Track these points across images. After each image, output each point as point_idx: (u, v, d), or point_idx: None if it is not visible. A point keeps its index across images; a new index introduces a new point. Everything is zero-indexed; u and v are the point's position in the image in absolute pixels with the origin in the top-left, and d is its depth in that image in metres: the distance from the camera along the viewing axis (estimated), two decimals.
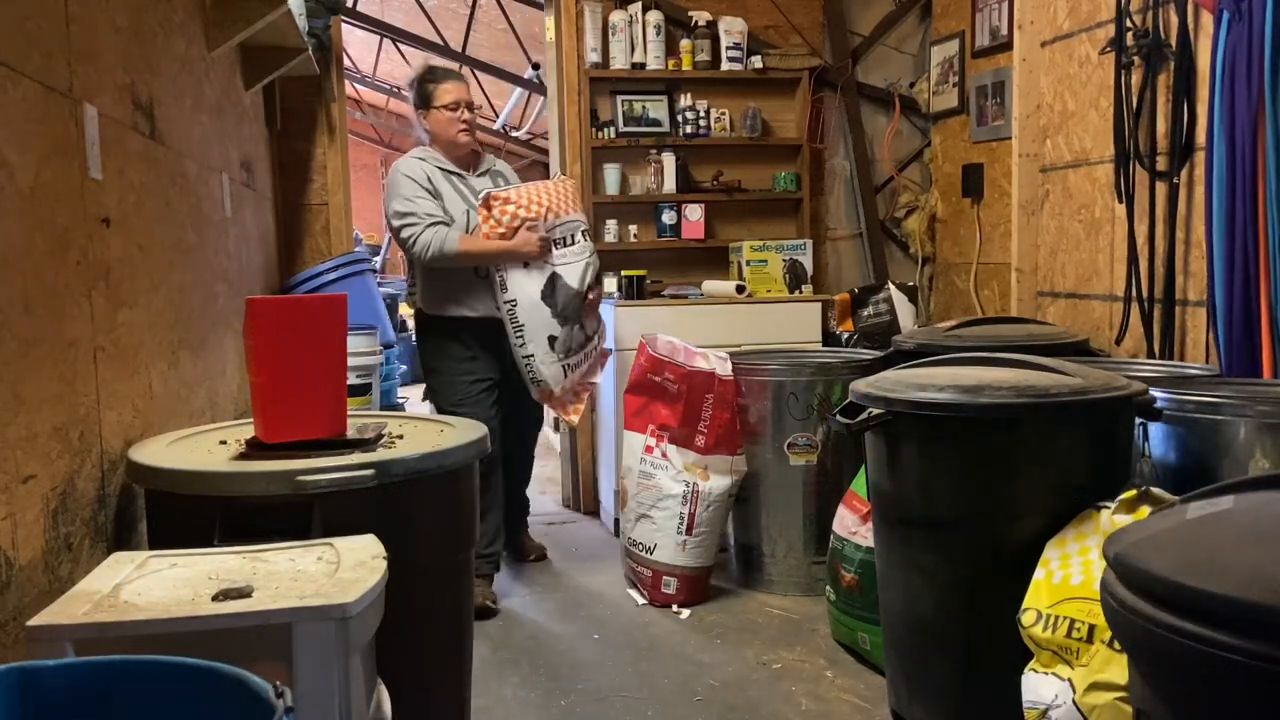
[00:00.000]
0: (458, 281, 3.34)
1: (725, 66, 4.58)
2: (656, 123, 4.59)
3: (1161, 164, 3.05)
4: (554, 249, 3.32)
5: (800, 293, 4.42)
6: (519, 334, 3.28)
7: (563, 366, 3.35)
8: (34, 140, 1.64)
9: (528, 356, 3.29)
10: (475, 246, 3.23)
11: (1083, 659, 1.88)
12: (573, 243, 3.37)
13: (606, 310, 3.75)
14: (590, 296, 3.37)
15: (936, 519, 2.23)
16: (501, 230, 3.23)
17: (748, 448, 3.43)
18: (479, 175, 3.46)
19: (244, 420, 2.24)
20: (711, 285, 4.42)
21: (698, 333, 3.86)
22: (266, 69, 3.66)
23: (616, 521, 3.83)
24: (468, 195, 3.35)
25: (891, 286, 4.56)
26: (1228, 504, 1.45)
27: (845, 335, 4.47)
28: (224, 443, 2.02)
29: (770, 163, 4.73)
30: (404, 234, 3.24)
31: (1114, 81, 3.18)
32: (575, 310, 3.33)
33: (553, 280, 3.30)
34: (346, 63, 7.40)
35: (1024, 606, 2.00)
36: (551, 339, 3.29)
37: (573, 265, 3.35)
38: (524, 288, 3.28)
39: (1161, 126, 3.06)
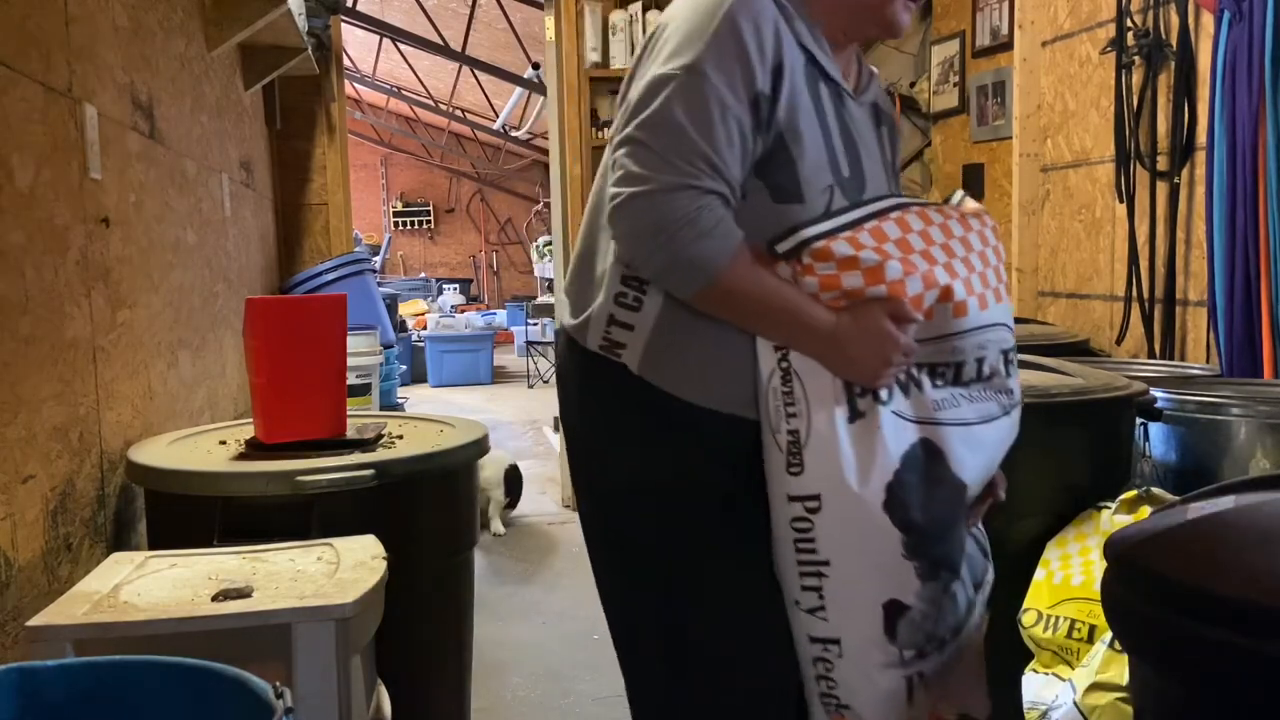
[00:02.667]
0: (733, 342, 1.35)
1: None
2: None
3: (1162, 164, 3.05)
4: (930, 383, 1.40)
5: None
6: (810, 570, 1.35)
7: (905, 677, 1.40)
8: (34, 140, 1.63)
9: (824, 643, 1.37)
10: (764, 289, 1.30)
11: (1083, 659, 1.88)
12: (985, 376, 1.45)
13: None
14: (990, 500, 1.59)
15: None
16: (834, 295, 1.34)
17: None
18: (860, 101, 1.46)
19: (244, 420, 2.24)
20: None
21: None
22: (266, 69, 3.66)
23: None
24: (858, 138, 1.41)
25: None
26: (1228, 504, 1.44)
27: None
28: (224, 443, 2.02)
29: None
30: (646, 178, 1.25)
31: (1115, 81, 3.17)
32: (952, 538, 1.44)
33: (926, 453, 1.37)
34: (346, 63, 7.40)
35: (1024, 607, 2.00)
36: (892, 610, 1.35)
37: (976, 430, 1.43)
38: (840, 458, 1.32)
39: (1162, 126, 3.05)
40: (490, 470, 4.24)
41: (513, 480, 4.46)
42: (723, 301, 1.29)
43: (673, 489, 1.35)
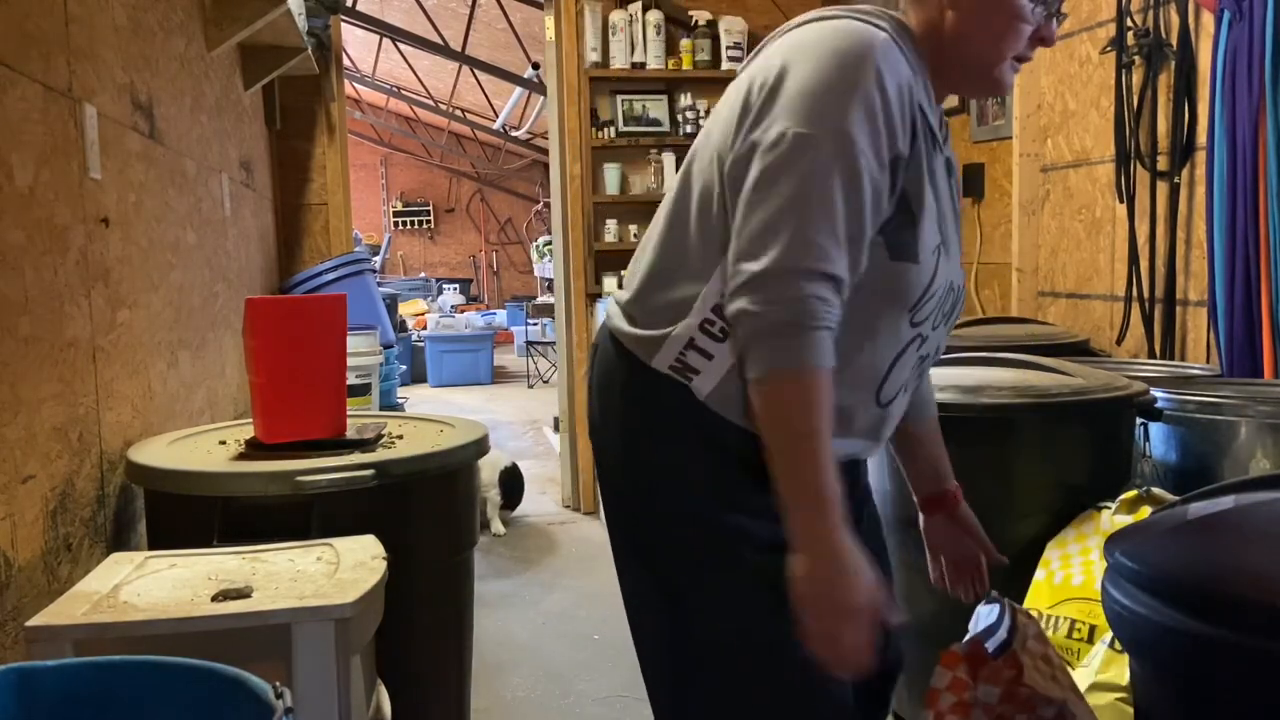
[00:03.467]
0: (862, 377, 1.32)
1: (725, 66, 4.57)
2: (656, 122, 4.59)
3: (1162, 164, 3.05)
4: None
5: None
6: None
7: None
8: (33, 140, 1.63)
9: None
10: (823, 417, 1.18)
11: (1083, 659, 1.88)
12: None
13: (603, 310, 3.68)
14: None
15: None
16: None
17: None
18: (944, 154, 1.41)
19: (244, 420, 2.24)
20: None
21: None
22: (266, 69, 3.66)
23: None
24: (949, 195, 1.37)
25: None
26: (1228, 504, 1.44)
27: None
28: (223, 443, 2.02)
29: None
30: (781, 253, 1.16)
31: (1115, 81, 3.17)
32: None
33: None
34: (346, 63, 7.40)
35: (1024, 607, 2.00)
36: None
37: None
38: None
39: (1162, 126, 3.05)
40: (486, 472, 4.24)
41: (512, 481, 4.46)
42: (784, 397, 1.18)
43: (720, 517, 1.27)
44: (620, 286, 1.47)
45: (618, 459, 1.36)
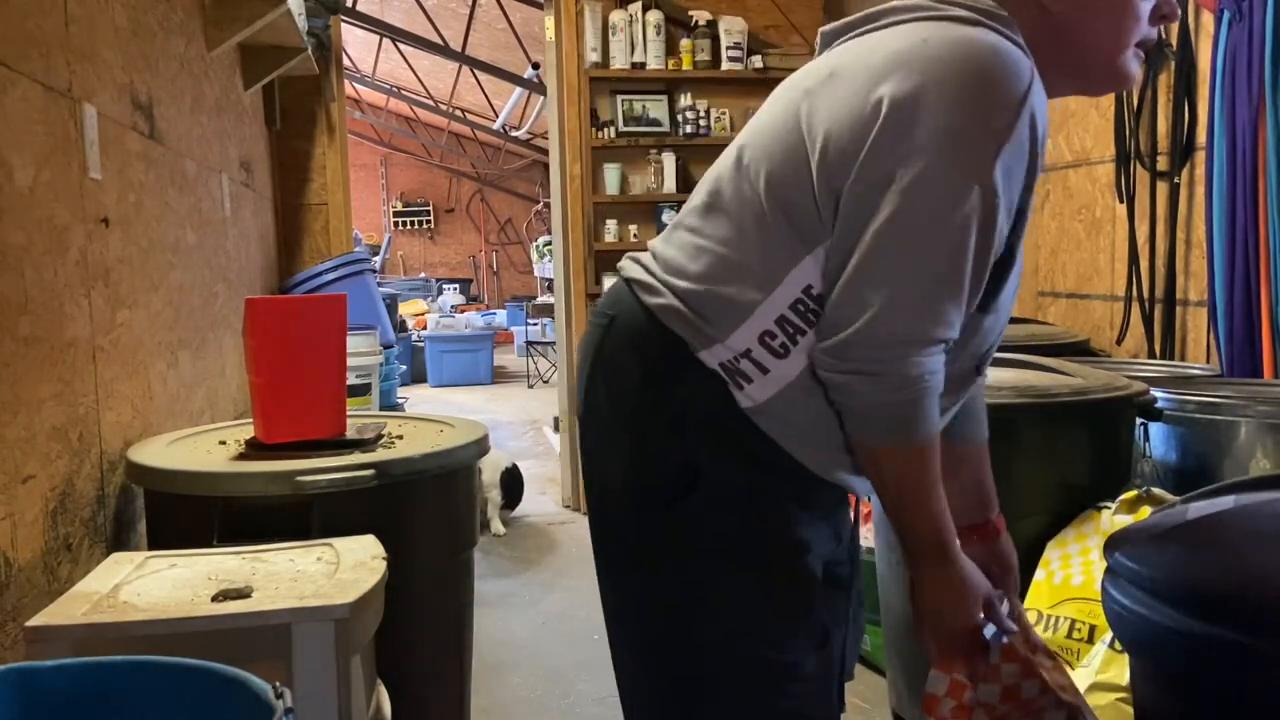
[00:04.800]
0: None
1: (725, 66, 4.57)
2: (656, 123, 4.59)
3: (1162, 164, 3.05)
4: None
5: None
6: None
7: None
8: (33, 140, 1.63)
9: None
10: (936, 477, 1.19)
11: (1083, 659, 1.88)
12: None
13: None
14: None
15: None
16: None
17: None
18: None
19: (244, 420, 2.23)
20: None
21: None
22: (266, 69, 3.66)
23: None
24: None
25: None
26: (1228, 504, 1.44)
27: None
28: (223, 443, 2.02)
29: None
30: (901, 320, 1.10)
31: None
32: None
33: None
34: (346, 63, 7.40)
35: (1024, 607, 2.00)
36: None
37: None
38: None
39: (1162, 126, 3.05)
40: (488, 472, 4.25)
41: (512, 481, 4.46)
42: (898, 466, 1.16)
43: (746, 526, 1.21)
44: (606, 287, 1.39)
45: (624, 453, 1.25)
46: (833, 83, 1.16)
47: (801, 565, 1.23)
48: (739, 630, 1.21)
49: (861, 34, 1.20)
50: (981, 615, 1.23)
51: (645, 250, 1.32)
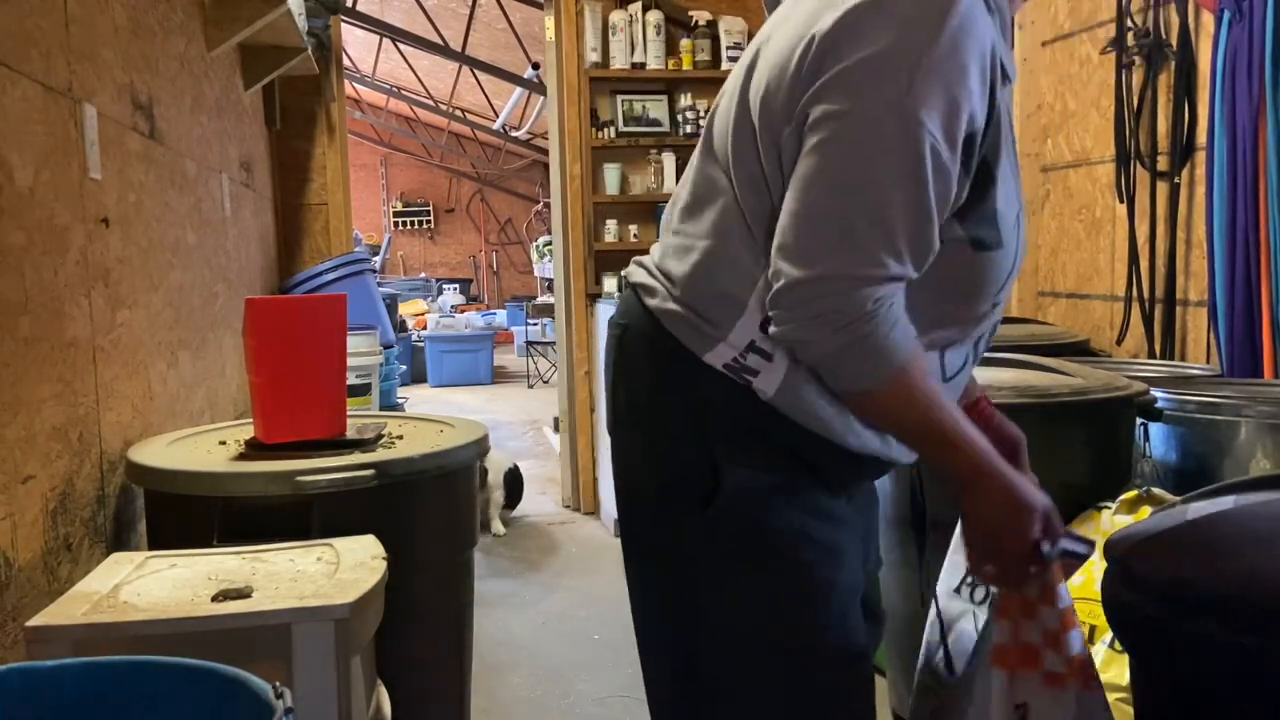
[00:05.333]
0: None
1: (725, 66, 4.57)
2: (656, 123, 4.59)
3: (1162, 164, 3.05)
4: None
5: None
6: None
7: None
8: (34, 140, 1.63)
9: None
10: (935, 400, 1.13)
11: None
12: None
13: (604, 310, 3.65)
14: None
15: (936, 519, 2.23)
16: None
17: None
18: None
19: (244, 420, 2.23)
20: None
21: None
22: (266, 69, 3.66)
23: (616, 522, 3.83)
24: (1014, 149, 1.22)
25: None
26: (1228, 504, 1.44)
27: None
28: (223, 443, 2.02)
29: None
30: (826, 261, 1.07)
31: (1115, 81, 3.17)
32: None
33: None
34: (346, 63, 7.40)
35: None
36: None
37: None
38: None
39: (1162, 126, 3.05)
40: (493, 473, 4.26)
41: (514, 482, 4.47)
42: (885, 407, 1.12)
43: (769, 519, 1.19)
44: (606, 287, 1.39)
45: (645, 455, 1.25)
46: (769, 44, 1.15)
47: (824, 568, 1.20)
48: (764, 627, 1.20)
49: None
50: (1039, 529, 1.16)
51: (647, 253, 1.32)
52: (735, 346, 1.16)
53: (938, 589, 1.45)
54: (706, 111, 4.56)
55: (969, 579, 1.37)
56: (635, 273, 1.28)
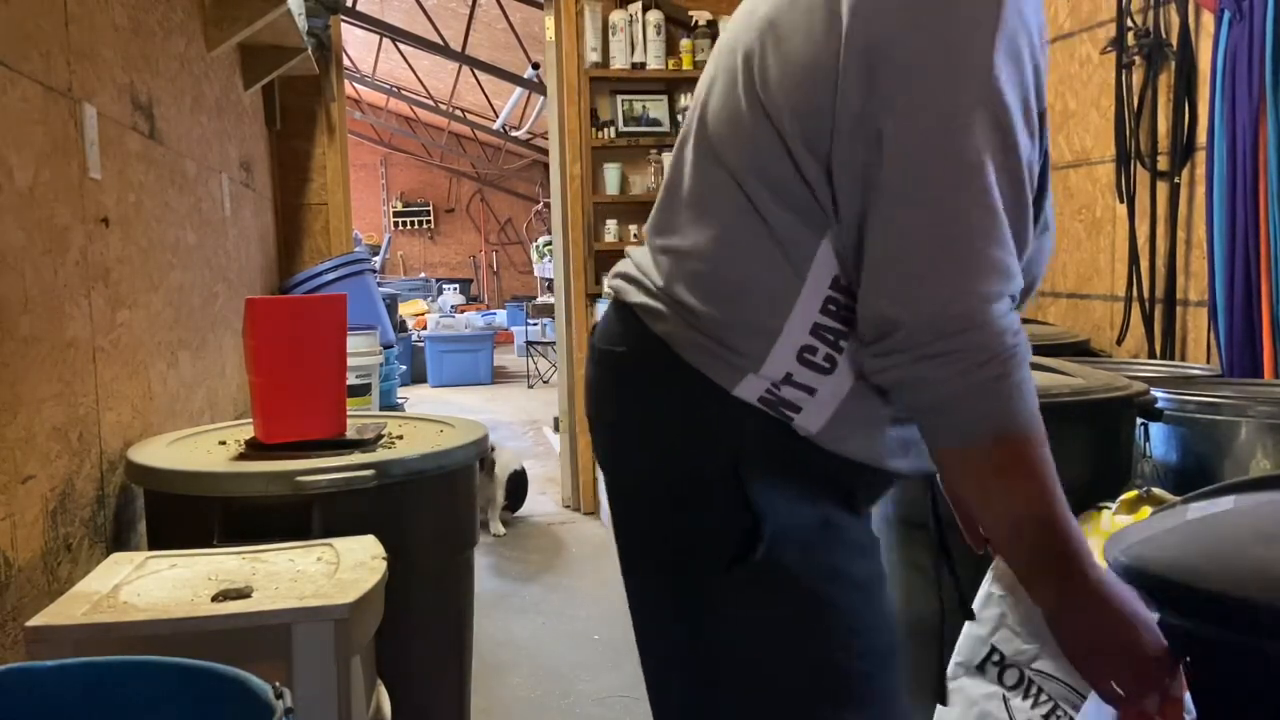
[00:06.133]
0: None
1: None
2: (656, 122, 4.59)
3: (1162, 164, 3.05)
4: None
5: None
6: None
7: None
8: (33, 140, 1.63)
9: None
10: (1051, 472, 1.05)
11: None
12: None
13: (604, 310, 3.65)
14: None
15: (937, 519, 2.22)
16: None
17: None
18: None
19: (244, 420, 2.23)
20: None
21: None
22: (266, 69, 3.66)
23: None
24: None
25: None
26: (1229, 504, 1.44)
27: None
28: (223, 443, 2.02)
29: None
30: (947, 280, 0.91)
31: (1115, 81, 3.17)
32: None
33: None
34: (346, 63, 7.40)
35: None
36: None
37: None
38: None
39: (1162, 126, 3.05)
40: (498, 471, 4.26)
41: (518, 484, 4.47)
42: (1007, 464, 0.96)
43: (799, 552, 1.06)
44: (605, 287, 1.16)
45: (664, 503, 1.09)
46: (774, 30, 0.99)
47: (879, 598, 1.12)
48: (816, 686, 1.07)
49: None
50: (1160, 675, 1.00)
51: (630, 264, 1.16)
52: (769, 378, 1.01)
53: (952, 661, 1.39)
54: None
55: (996, 656, 1.26)
56: (628, 291, 1.11)
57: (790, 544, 1.04)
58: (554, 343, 5.74)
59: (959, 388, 0.91)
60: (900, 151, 0.90)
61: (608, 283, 1.20)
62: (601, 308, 4.45)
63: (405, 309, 10.32)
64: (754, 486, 1.02)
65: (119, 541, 1.95)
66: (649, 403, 1.09)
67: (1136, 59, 3.12)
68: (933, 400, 0.93)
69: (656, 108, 4.60)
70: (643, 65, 4.53)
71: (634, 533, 1.14)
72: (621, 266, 1.18)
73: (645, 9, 4.52)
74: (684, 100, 4.57)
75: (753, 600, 1.05)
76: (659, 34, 4.52)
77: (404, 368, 6.82)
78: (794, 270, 0.99)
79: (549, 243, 7.62)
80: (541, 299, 10.14)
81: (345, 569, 1.43)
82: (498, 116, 10.53)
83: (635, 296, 1.11)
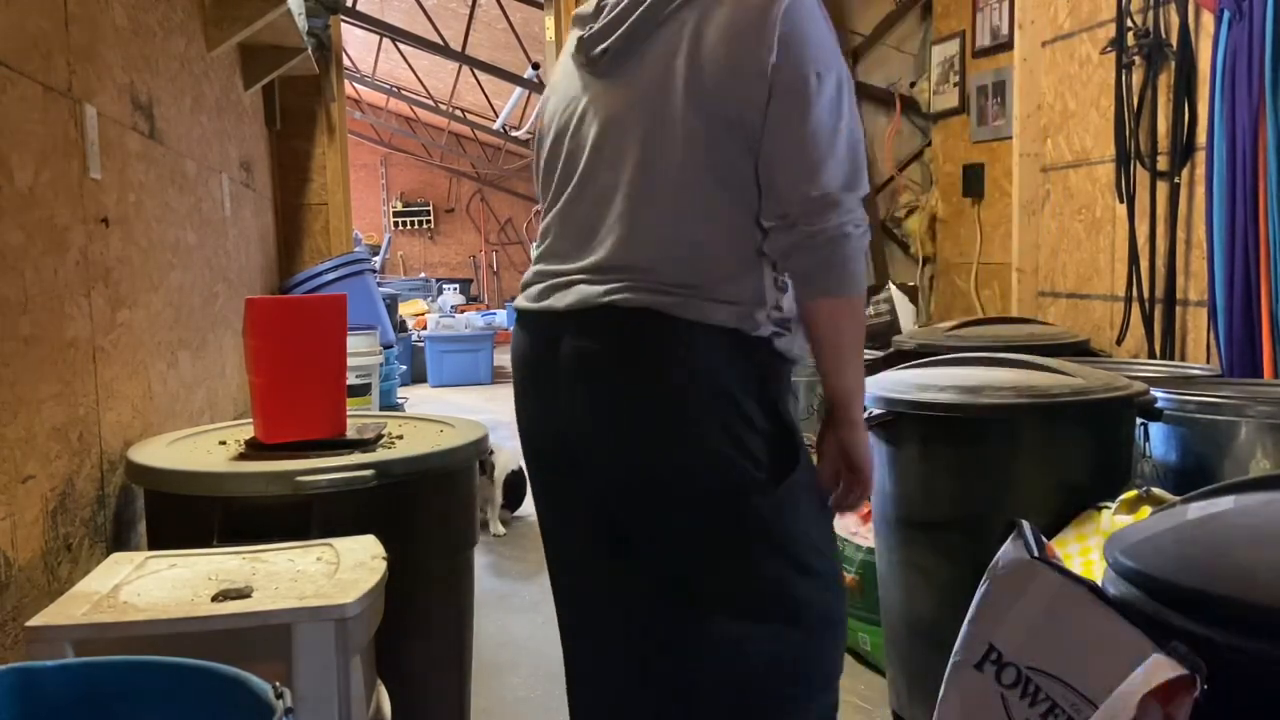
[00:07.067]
0: None
1: None
2: None
3: (1162, 164, 3.05)
4: None
5: None
6: None
7: None
8: (34, 140, 1.63)
9: None
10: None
11: None
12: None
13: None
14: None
15: (937, 519, 2.23)
16: None
17: None
18: None
19: (244, 420, 2.24)
20: None
21: None
22: (266, 69, 3.66)
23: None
24: None
25: (892, 286, 4.56)
26: (1228, 504, 1.44)
27: None
28: (223, 443, 2.02)
29: None
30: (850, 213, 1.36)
31: (1115, 81, 3.17)
32: None
33: None
34: (346, 63, 7.40)
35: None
36: None
37: None
38: None
39: (1162, 126, 3.05)
40: (494, 471, 4.25)
41: (517, 484, 4.47)
42: (857, 311, 1.41)
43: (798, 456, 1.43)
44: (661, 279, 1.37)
45: (712, 462, 1.35)
46: (710, 51, 1.34)
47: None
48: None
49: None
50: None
51: (554, 278, 1.45)
52: (769, 304, 1.37)
53: (952, 661, 1.42)
54: None
55: (994, 655, 1.35)
56: (631, 298, 1.34)
57: (803, 451, 1.42)
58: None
59: (859, 247, 1.34)
60: (820, 99, 1.34)
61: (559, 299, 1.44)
62: None
63: (405, 309, 10.31)
64: (783, 411, 1.39)
65: (119, 541, 1.95)
66: (670, 390, 1.35)
67: (1136, 59, 3.12)
68: (845, 253, 1.33)
69: None
70: None
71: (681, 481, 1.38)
72: (567, 292, 1.43)
73: None
74: None
75: (799, 498, 1.41)
76: None
77: (404, 368, 6.82)
78: (751, 224, 1.36)
79: None
80: None
81: (345, 569, 1.43)
82: (498, 116, 10.53)
83: (638, 301, 1.35)
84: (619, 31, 1.37)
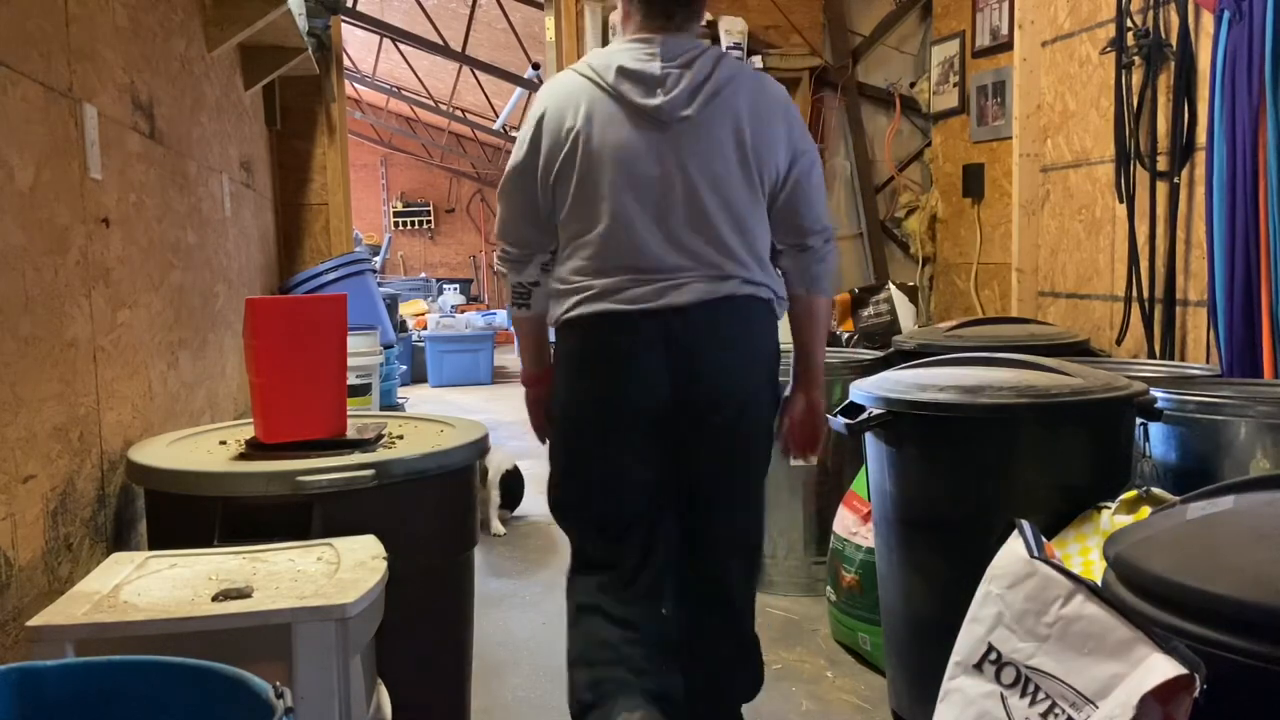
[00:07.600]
0: None
1: None
2: None
3: (1162, 164, 3.05)
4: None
5: None
6: None
7: None
8: (34, 140, 1.63)
9: None
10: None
11: None
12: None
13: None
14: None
15: (937, 519, 2.23)
16: None
17: None
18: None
19: (244, 420, 2.24)
20: None
21: None
22: (266, 69, 3.67)
23: None
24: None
25: (892, 286, 4.56)
26: (1228, 504, 1.44)
27: (845, 335, 4.47)
28: (224, 443, 2.02)
29: None
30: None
31: (1114, 81, 3.18)
32: None
33: None
34: (346, 63, 7.40)
35: None
36: None
37: None
38: None
39: (1162, 126, 3.06)
40: (490, 473, 4.25)
41: (513, 483, 4.46)
42: (829, 305, 2.10)
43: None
44: (756, 275, 1.91)
45: (766, 382, 1.96)
46: (753, 125, 1.89)
47: None
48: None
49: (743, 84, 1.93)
50: None
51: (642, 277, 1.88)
52: (779, 293, 1.96)
53: (951, 660, 1.44)
54: None
55: (993, 655, 1.41)
56: (740, 289, 1.89)
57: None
58: (554, 342, 5.73)
59: (835, 261, 2.02)
60: (813, 167, 1.99)
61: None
62: None
63: (405, 309, 10.31)
64: (760, 352, 1.95)
65: (119, 541, 1.95)
66: (759, 351, 1.94)
67: (1136, 59, 3.12)
68: (830, 265, 1.99)
69: None
70: None
71: (741, 405, 1.94)
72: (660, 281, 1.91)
73: None
74: None
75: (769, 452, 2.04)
76: None
77: (404, 368, 6.83)
78: (765, 230, 1.95)
79: None
80: None
81: (345, 569, 1.43)
82: (498, 116, 10.53)
83: (745, 289, 1.92)
84: (695, 101, 1.86)
